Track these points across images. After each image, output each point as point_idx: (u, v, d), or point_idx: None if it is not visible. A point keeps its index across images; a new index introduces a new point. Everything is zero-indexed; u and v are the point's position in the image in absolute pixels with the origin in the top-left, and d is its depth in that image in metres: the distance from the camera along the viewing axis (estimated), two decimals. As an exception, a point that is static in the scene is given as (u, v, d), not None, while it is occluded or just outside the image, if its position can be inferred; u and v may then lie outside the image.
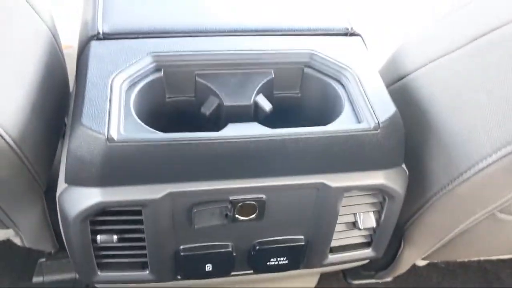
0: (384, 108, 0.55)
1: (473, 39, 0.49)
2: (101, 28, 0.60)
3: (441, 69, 0.55)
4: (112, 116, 0.50)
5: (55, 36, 0.65)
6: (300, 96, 0.63)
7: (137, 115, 0.53)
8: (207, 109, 0.59)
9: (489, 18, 0.47)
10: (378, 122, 0.53)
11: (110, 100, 0.52)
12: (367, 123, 0.53)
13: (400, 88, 0.65)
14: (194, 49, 0.59)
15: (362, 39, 0.66)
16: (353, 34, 0.65)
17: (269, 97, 0.60)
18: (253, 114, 0.59)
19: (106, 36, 0.60)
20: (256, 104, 0.59)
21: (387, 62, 0.71)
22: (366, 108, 0.55)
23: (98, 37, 0.59)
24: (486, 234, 0.61)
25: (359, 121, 0.54)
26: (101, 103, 0.51)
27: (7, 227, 0.64)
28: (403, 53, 0.66)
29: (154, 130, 0.52)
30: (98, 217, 0.53)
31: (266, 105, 0.59)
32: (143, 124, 0.52)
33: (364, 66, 0.60)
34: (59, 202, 0.53)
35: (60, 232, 0.57)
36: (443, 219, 0.60)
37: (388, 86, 0.64)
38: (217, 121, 0.59)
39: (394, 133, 0.54)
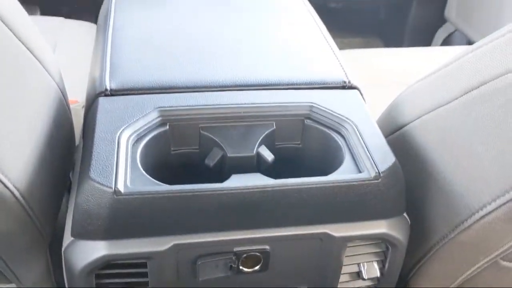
0: (383, 158, 0.56)
1: (465, 92, 0.52)
2: (109, 85, 0.62)
3: (436, 120, 0.57)
4: (119, 169, 0.52)
5: (62, 92, 0.67)
6: (301, 147, 0.65)
7: (143, 168, 0.55)
8: (211, 160, 0.60)
9: (480, 72, 0.50)
10: (379, 172, 0.54)
11: (117, 154, 0.53)
12: (368, 173, 0.55)
13: (398, 138, 0.67)
14: (198, 103, 0.62)
15: (359, 91, 0.68)
16: (350, 87, 0.68)
17: (271, 148, 0.62)
18: (256, 165, 0.61)
19: (114, 93, 0.62)
20: (258, 155, 0.61)
21: (385, 113, 0.73)
22: (366, 158, 0.56)
23: (105, 93, 0.62)
24: (490, 282, 0.61)
25: (359, 171, 0.56)
26: (109, 158, 0.53)
27: (9, 281, 0.64)
28: (399, 105, 0.68)
29: (159, 183, 0.53)
30: (104, 270, 0.53)
31: (268, 156, 0.61)
32: (149, 177, 0.53)
33: (362, 117, 0.62)
34: (65, 255, 0.53)
35: (62, 285, 0.57)
36: (446, 268, 0.60)
37: (386, 136, 0.66)
38: (221, 172, 0.60)
39: (394, 182, 0.55)
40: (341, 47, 1.32)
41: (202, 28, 0.75)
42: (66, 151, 0.67)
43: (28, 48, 0.52)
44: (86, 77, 1.03)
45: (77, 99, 0.95)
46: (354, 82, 0.69)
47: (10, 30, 0.48)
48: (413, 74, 1.14)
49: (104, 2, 0.87)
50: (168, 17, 0.78)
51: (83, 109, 0.97)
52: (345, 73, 0.69)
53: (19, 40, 0.50)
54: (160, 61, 0.68)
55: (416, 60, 1.21)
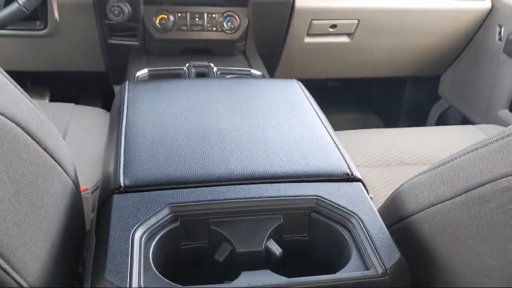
0: (389, 254, 0.58)
1: (465, 191, 0.54)
2: (123, 182, 0.65)
3: (439, 215, 0.60)
4: (133, 270, 0.53)
5: (76, 187, 0.70)
6: (308, 239, 0.67)
7: (154, 264, 0.56)
8: (221, 256, 0.62)
9: (480, 173, 0.52)
10: (386, 269, 0.56)
11: (131, 255, 0.55)
12: (375, 270, 0.56)
13: (401, 229, 0.69)
14: (208, 198, 0.64)
15: (363, 183, 0.71)
16: (353, 180, 0.71)
17: (278, 241, 0.64)
18: (265, 259, 0.62)
19: (127, 189, 0.65)
20: (267, 249, 0.62)
21: (387, 202, 0.76)
22: (372, 254, 0.58)
23: (120, 190, 0.64)
24: None
25: (367, 268, 0.57)
26: (123, 258, 0.54)
27: None
28: (402, 195, 0.70)
29: (171, 283, 0.54)
30: None
31: (277, 250, 0.62)
32: (161, 276, 0.55)
33: (367, 211, 0.64)
34: None
35: None
36: None
37: (389, 226, 0.68)
38: (230, 266, 0.62)
39: (400, 278, 0.57)
40: (340, 123, 1.38)
41: (211, 122, 0.80)
42: (78, 240, 0.69)
43: (49, 154, 0.55)
44: (96, 163, 1.06)
45: (87, 186, 0.98)
46: (357, 174, 0.71)
47: (33, 139, 0.51)
48: (413, 155, 1.19)
49: (117, 95, 0.92)
50: (178, 111, 0.83)
51: (92, 195, 0.99)
52: (348, 166, 0.72)
53: (41, 147, 0.53)
54: (171, 156, 0.71)
55: (414, 140, 1.25)
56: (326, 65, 1.76)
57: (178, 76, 1.31)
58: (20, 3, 1.06)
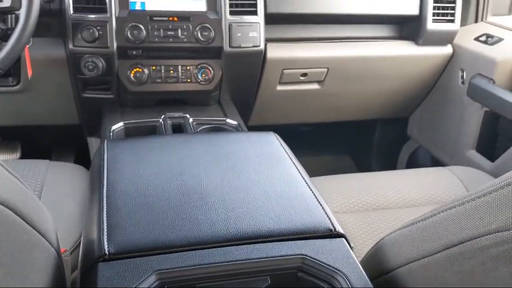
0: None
1: (447, 247, 0.56)
2: (107, 249, 0.64)
3: (422, 269, 0.61)
4: None
5: (59, 255, 0.69)
6: None
7: None
8: None
9: (461, 231, 0.55)
10: None
11: None
12: None
13: (384, 283, 0.70)
14: (194, 263, 0.64)
15: (345, 238, 0.72)
16: (337, 236, 0.72)
17: None
18: None
19: (112, 257, 0.64)
20: None
21: (371, 255, 0.77)
22: None
23: (104, 258, 0.64)
24: None
25: None
26: None
27: None
28: (384, 249, 0.72)
29: None
30: None
31: None
32: None
33: (351, 267, 0.65)
34: None
35: None
36: None
37: (373, 278, 0.69)
38: None
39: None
40: (315, 167, 1.40)
41: (192, 181, 0.80)
42: None
43: (35, 228, 0.54)
44: (73, 222, 1.04)
45: (65, 247, 0.96)
46: (340, 230, 0.73)
47: (21, 217, 0.51)
48: (388, 199, 1.22)
49: (95, 155, 0.92)
50: (159, 170, 0.83)
51: (71, 256, 0.97)
52: (331, 221, 0.74)
53: (27, 224, 0.52)
54: (154, 220, 0.70)
55: (388, 184, 1.28)
56: (298, 110, 1.81)
57: (154, 128, 1.32)
58: (-6, 63, 1.06)
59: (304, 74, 1.61)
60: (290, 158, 0.91)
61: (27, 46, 1.23)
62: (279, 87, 1.64)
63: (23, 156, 1.79)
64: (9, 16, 1.20)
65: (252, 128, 1.71)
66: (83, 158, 1.73)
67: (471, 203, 0.55)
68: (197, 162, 0.86)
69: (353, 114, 1.90)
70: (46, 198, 1.09)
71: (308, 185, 0.82)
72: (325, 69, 1.62)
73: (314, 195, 0.79)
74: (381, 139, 2.12)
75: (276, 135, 1.00)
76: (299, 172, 0.86)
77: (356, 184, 1.27)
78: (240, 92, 1.58)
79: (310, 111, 1.83)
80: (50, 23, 1.36)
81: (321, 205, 0.77)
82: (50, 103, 1.52)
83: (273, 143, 0.96)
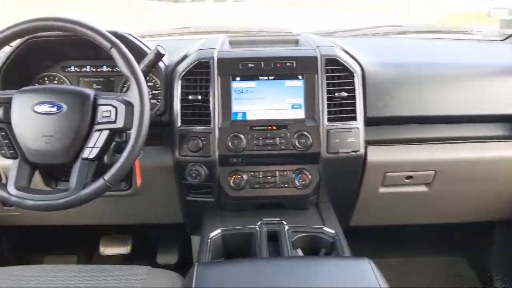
0: None
1: None
2: None
3: None
4: None
5: None
6: None
7: None
8: None
9: None
10: None
11: None
12: None
13: None
14: None
15: None
16: None
17: None
18: None
19: None
20: None
21: None
22: None
23: None
24: None
25: None
26: None
27: None
28: None
29: None
30: None
31: None
32: None
33: None
34: None
35: None
36: None
37: None
38: None
39: None
40: (426, 269, 1.25)
41: None
42: None
43: None
44: None
45: None
46: None
47: None
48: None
49: (186, 278, 0.94)
50: None
51: None
52: None
53: None
54: None
55: None
56: (404, 211, 1.71)
57: (249, 236, 1.32)
58: (106, 179, 1.16)
59: (409, 177, 1.53)
60: None
61: (138, 158, 1.33)
62: (382, 189, 1.57)
63: (132, 250, 1.91)
64: (124, 131, 1.32)
65: (354, 229, 1.65)
66: (188, 253, 1.78)
67: None
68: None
69: (467, 216, 1.74)
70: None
71: None
72: (433, 172, 1.52)
73: None
74: (501, 240, 1.90)
75: (371, 263, 0.94)
76: None
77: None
78: (339, 195, 1.54)
79: (417, 212, 1.72)
80: (161, 133, 1.47)
81: None
82: (157, 204, 1.61)
83: (367, 275, 0.90)
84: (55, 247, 2.00)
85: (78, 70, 1.57)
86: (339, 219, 1.48)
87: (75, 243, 2.01)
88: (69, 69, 1.56)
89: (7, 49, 1.42)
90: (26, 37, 1.39)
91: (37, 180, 1.49)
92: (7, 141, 1.17)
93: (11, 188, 1.15)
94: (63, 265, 1.21)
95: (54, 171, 1.51)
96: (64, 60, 1.56)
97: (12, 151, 1.18)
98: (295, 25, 2.01)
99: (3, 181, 1.49)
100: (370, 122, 1.45)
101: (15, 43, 1.41)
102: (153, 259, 1.95)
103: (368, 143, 1.46)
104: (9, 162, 1.20)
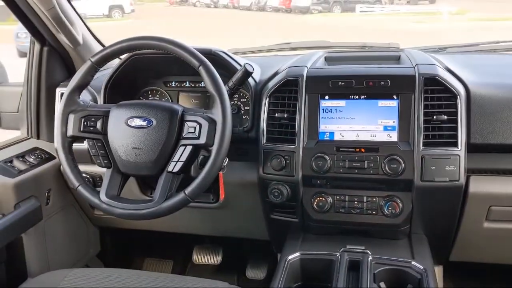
0: None
1: None
2: None
3: None
4: None
5: None
6: None
7: None
8: None
9: None
10: None
11: None
12: None
13: None
14: None
15: None
16: None
17: None
18: None
19: None
20: None
21: None
22: None
23: None
24: None
25: None
26: None
27: None
28: None
29: None
30: None
31: None
32: None
33: None
34: None
35: None
36: None
37: None
38: None
39: None
40: None
41: None
42: None
43: None
44: None
45: None
46: None
47: None
48: None
49: None
50: None
51: None
52: None
53: None
54: None
55: None
56: (513, 250, 1.50)
57: (329, 263, 1.26)
58: (186, 193, 1.19)
59: (520, 213, 1.35)
60: None
61: (221, 172, 1.35)
62: (487, 224, 1.40)
63: (223, 261, 1.94)
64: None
65: (453, 265, 1.49)
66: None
67: None
68: None
69: None
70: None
71: None
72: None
73: None
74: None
75: None
76: None
77: None
78: (436, 227, 1.40)
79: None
80: (248, 149, 1.47)
81: None
82: (244, 219, 1.62)
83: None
84: (154, 252, 2.11)
85: (179, 85, 1.64)
86: (436, 253, 1.35)
87: (172, 249, 2.10)
88: (170, 84, 1.65)
89: (112, 66, 1.53)
90: (130, 54, 1.48)
91: (134, 188, 1.59)
92: (102, 152, 1.26)
93: (103, 196, 1.24)
94: (157, 273, 1.29)
95: (148, 181, 1.60)
96: (166, 76, 1.64)
97: (106, 161, 1.26)
98: (404, 40, 1.90)
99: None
100: (473, 149, 1.30)
101: (117, 61, 1.52)
102: (243, 272, 1.97)
103: (470, 171, 1.31)
104: (100, 169, 1.28)
